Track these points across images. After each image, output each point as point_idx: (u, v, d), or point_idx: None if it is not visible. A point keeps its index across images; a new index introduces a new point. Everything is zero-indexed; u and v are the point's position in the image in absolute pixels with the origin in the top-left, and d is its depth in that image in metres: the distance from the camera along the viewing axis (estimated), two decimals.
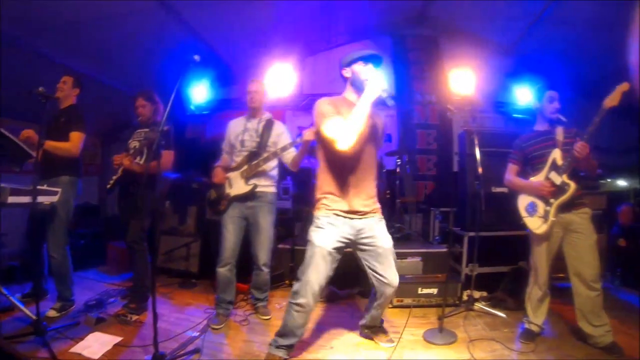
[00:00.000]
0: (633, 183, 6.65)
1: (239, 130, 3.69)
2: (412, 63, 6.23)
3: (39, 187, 2.99)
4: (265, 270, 3.63)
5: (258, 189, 3.51)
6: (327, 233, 2.70)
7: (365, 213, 2.77)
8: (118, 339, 2.96)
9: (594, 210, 3.26)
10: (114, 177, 3.68)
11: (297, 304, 2.68)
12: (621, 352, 2.93)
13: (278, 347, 2.76)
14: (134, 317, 3.35)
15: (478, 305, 3.98)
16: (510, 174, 3.43)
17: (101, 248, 5.40)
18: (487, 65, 5.75)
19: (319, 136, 2.76)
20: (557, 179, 3.09)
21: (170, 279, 4.68)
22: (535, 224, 3.20)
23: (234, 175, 3.59)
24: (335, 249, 2.70)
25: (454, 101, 5.29)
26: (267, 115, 3.76)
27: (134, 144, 3.70)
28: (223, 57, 5.97)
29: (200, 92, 6.11)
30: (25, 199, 2.89)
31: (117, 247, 5.05)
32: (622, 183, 6.73)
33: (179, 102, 6.11)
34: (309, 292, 2.66)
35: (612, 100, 2.81)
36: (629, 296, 4.48)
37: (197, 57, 2.64)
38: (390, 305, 3.93)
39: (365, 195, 2.77)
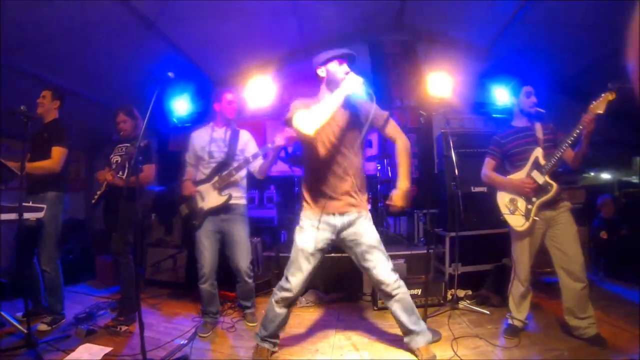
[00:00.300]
0: (617, 175, 6.83)
1: (204, 141, 3.66)
2: (390, 69, 6.32)
3: (24, 204, 3.06)
4: (249, 280, 3.69)
5: (231, 201, 3.55)
6: (308, 234, 2.82)
7: (345, 210, 2.82)
8: (108, 349, 3.07)
9: (574, 204, 3.37)
10: (99, 192, 3.79)
11: (281, 298, 2.87)
12: (605, 343, 2.99)
13: (263, 338, 2.95)
14: (124, 328, 3.45)
15: (463, 304, 4.08)
16: (488, 168, 3.47)
17: (90, 262, 5.51)
18: (465, 68, 5.89)
19: (297, 136, 2.88)
20: (540, 178, 3.14)
21: (159, 290, 4.78)
22: (517, 222, 3.25)
23: (205, 188, 3.58)
24: (317, 249, 2.81)
25: (433, 104, 5.48)
26: (232, 124, 3.79)
27: (115, 158, 3.83)
28: (203, 69, 6.10)
29: (182, 105, 6.23)
30: (12, 216, 2.98)
31: (106, 260, 5.14)
32: (605, 176, 6.92)
33: (162, 115, 6.24)
34: (293, 287, 2.82)
35: (596, 107, 2.85)
36: (614, 287, 4.60)
37: (171, 74, 2.70)
38: (375, 308, 4.07)
39: (344, 193, 2.82)
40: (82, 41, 4.57)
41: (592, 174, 6.85)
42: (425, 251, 4.55)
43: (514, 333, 3.31)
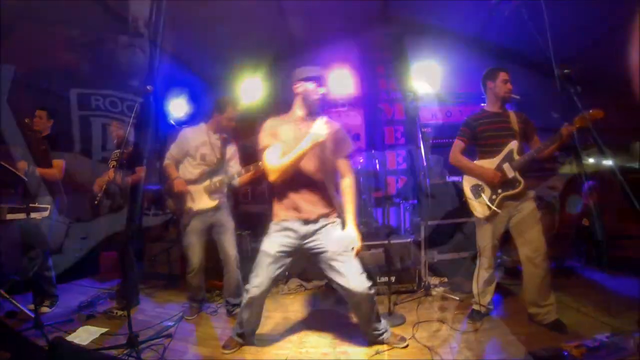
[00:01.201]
0: (618, 161, 6.99)
1: (199, 142, 3.97)
2: (378, 62, 6.76)
3: (31, 204, 3.74)
4: (238, 269, 4.01)
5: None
6: (272, 239, 3.12)
7: (310, 219, 3.08)
8: (104, 329, 3.74)
9: (554, 189, 3.64)
10: (99, 194, 4.42)
11: (247, 300, 3.22)
12: (564, 328, 3.21)
13: (238, 334, 3.37)
14: (120, 312, 4.10)
15: (436, 290, 4.46)
16: (457, 151, 3.63)
17: (94, 258, 6.02)
18: (452, 58, 6.24)
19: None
20: (510, 172, 3.36)
21: (156, 281, 5.43)
22: (479, 208, 3.51)
23: (197, 189, 3.96)
24: (278, 252, 3.09)
25: (420, 95, 5.89)
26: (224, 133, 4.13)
27: (112, 163, 4.50)
28: (196, 72, 6.66)
29: (178, 107, 6.71)
30: (21, 216, 3.68)
31: (108, 256, 5.79)
32: (606, 162, 7.05)
33: (159, 117, 6.85)
34: (256, 289, 3.13)
35: (579, 121, 3.05)
36: (593, 274, 4.86)
37: (150, 88, 3.28)
38: None
39: (309, 202, 3.08)
40: (88, 54, 5.22)
41: (591, 160, 6.97)
42: (405, 240, 4.97)
43: (477, 318, 3.60)
